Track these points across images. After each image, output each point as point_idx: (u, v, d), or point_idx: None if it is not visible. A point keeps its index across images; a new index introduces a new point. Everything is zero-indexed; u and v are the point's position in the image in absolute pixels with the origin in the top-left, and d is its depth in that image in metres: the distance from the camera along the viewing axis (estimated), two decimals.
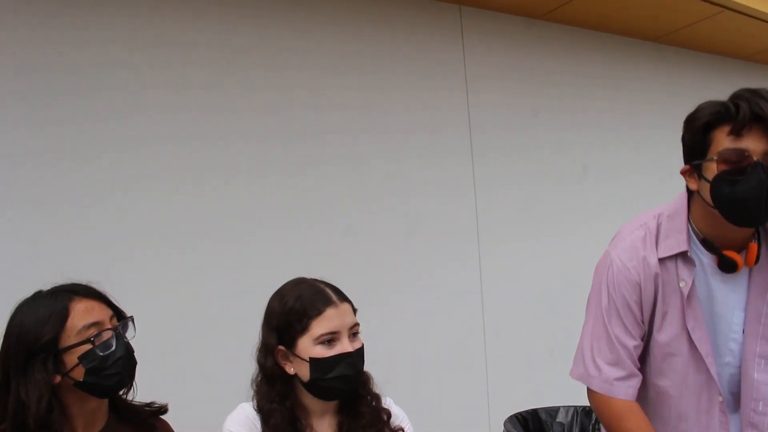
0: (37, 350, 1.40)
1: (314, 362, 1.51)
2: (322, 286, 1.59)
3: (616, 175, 4.60)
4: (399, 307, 3.41)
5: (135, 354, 1.53)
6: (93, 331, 1.44)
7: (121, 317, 1.53)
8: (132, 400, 1.60)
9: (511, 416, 2.90)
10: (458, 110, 3.90)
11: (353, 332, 1.57)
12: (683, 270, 1.63)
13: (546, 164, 4.24)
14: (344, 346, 1.54)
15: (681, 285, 1.63)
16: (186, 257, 2.90)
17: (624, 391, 1.68)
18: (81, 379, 1.42)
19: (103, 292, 1.53)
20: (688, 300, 1.63)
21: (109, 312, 1.50)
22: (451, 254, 3.81)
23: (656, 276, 1.65)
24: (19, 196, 2.53)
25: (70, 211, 2.64)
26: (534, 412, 2.93)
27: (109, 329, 1.47)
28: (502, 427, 2.97)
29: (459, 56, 3.93)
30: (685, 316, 1.64)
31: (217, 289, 2.95)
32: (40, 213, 2.57)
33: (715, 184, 1.52)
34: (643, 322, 1.69)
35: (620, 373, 1.68)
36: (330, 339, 1.53)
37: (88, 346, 1.42)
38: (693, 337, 1.64)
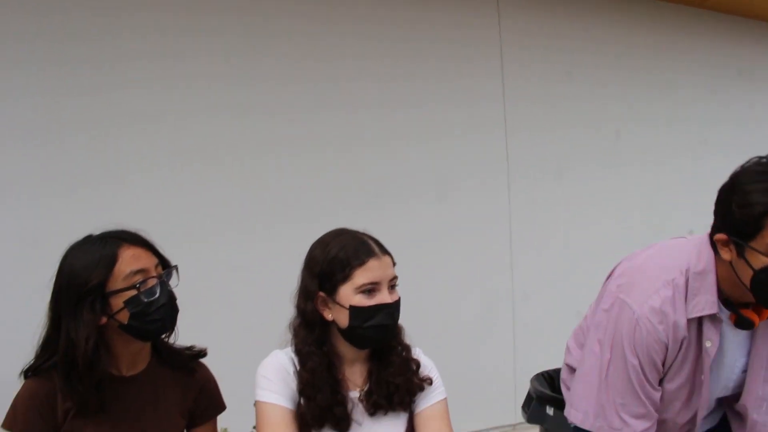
0: (85, 293, 1.47)
1: (354, 310, 1.55)
2: (365, 237, 1.62)
3: (650, 143, 4.55)
4: (430, 267, 3.46)
5: (177, 301, 1.59)
6: (139, 278, 1.50)
7: (166, 266, 1.59)
8: (173, 344, 1.66)
9: (537, 374, 2.95)
10: (493, 77, 3.90)
11: (392, 284, 1.59)
12: (710, 329, 1.64)
13: (579, 131, 4.22)
14: (384, 296, 1.57)
15: (707, 345, 1.64)
16: (224, 212, 2.98)
17: None
18: (125, 323, 1.49)
19: (150, 241, 1.59)
20: (707, 356, 1.66)
21: (154, 260, 1.55)
22: (483, 218, 3.84)
23: (684, 339, 1.64)
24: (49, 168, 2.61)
25: (119, 168, 2.73)
26: (560, 371, 2.97)
27: (154, 277, 1.52)
28: (529, 385, 3.04)
29: (494, 20, 3.91)
30: (698, 370, 1.68)
31: (253, 240, 3.04)
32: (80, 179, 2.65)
33: (761, 275, 1.50)
34: (661, 373, 1.70)
35: (647, 424, 1.68)
36: (371, 289, 1.56)
37: (133, 292, 1.49)
38: (698, 386, 1.69)
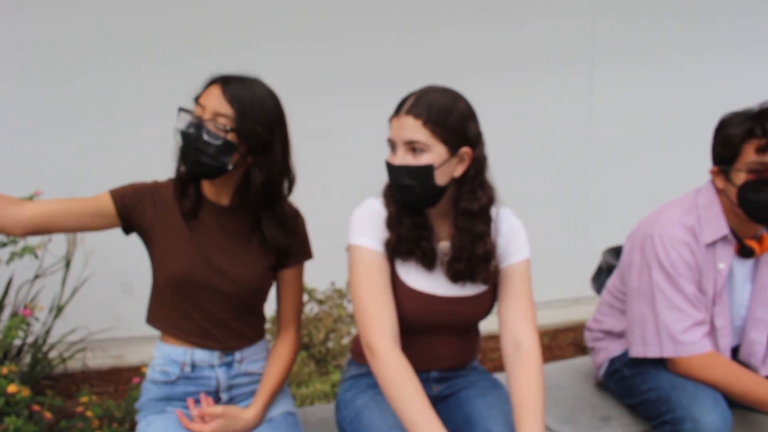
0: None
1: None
2: (415, 94, 1.56)
3: (748, 14, 4.25)
4: (505, 132, 3.42)
5: (205, 153, 1.50)
6: (197, 111, 1.53)
7: (242, 125, 1.52)
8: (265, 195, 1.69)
9: (609, 248, 3.00)
10: None
11: (413, 147, 1.51)
12: (722, 252, 1.88)
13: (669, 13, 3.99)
14: (392, 156, 1.55)
15: (720, 266, 1.87)
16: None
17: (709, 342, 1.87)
18: None
19: (241, 96, 1.52)
20: (721, 279, 1.87)
21: (223, 109, 1.51)
22: (561, 85, 3.76)
23: (702, 264, 1.87)
24: None
25: None
26: None
27: (198, 117, 1.52)
28: (598, 259, 3.09)
29: None
30: (717, 301, 1.89)
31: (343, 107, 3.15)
32: None
33: (742, 190, 1.80)
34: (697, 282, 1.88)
35: (704, 328, 1.85)
36: (391, 146, 1.56)
37: (181, 117, 1.55)
38: (716, 310, 1.89)
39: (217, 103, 1.52)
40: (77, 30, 3.00)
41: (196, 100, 1.56)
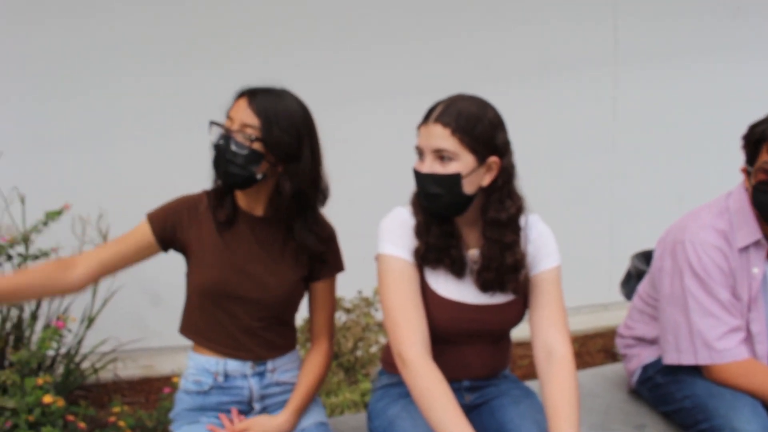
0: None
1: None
2: (444, 102, 1.56)
3: None
4: (529, 136, 3.42)
5: (234, 163, 1.54)
6: (227, 123, 1.58)
7: (266, 134, 1.55)
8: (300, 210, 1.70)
9: (638, 252, 2.97)
10: None
11: (440, 155, 1.52)
12: (756, 257, 1.85)
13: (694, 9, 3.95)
14: (420, 164, 1.55)
15: (755, 271, 1.84)
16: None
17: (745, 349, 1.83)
18: None
19: (267, 109, 1.56)
20: (755, 284, 1.84)
21: (251, 121, 1.54)
22: (584, 88, 3.73)
23: (735, 269, 1.84)
24: None
25: None
26: None
27: (227, 129, 1.57)
28: (626, 264, 3.06)
29: None
30: (752, 307, 1.85)
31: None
32: None
33: (754, 189, 1.79)
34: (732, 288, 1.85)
35: (740, 335, 1.82)
36: (420, 153, 1.57)
37: (213, 131, 1.61)
38: (752, 316, 1.85)
39: (244, 114, 1.57)
40: (105, 41, 3.03)
41: (227, 113, 1.61)
